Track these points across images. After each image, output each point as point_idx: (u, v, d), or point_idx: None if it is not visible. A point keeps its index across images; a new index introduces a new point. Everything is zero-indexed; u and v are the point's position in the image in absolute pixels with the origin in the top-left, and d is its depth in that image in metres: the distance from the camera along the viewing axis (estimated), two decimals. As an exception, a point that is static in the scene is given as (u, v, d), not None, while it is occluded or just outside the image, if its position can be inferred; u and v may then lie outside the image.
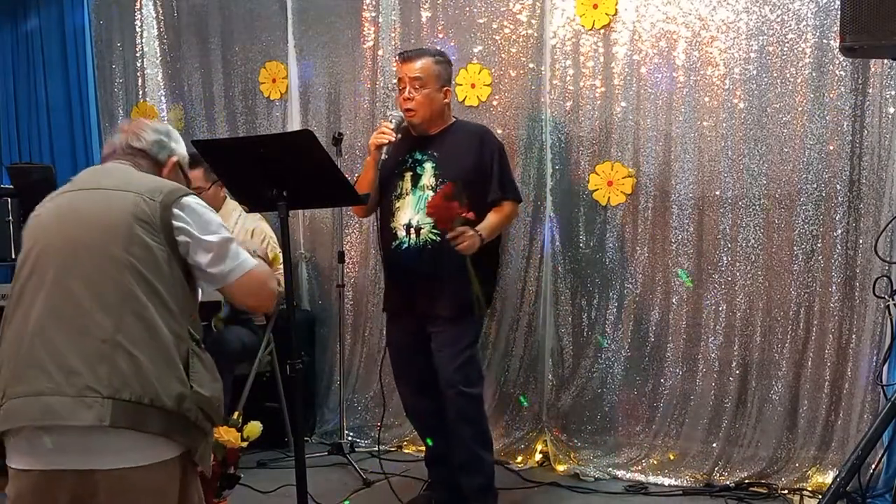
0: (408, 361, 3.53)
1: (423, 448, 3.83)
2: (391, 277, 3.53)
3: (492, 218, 3.35)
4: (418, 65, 3.37)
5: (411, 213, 3.38)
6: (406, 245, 3.37)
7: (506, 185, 3.45)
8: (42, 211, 2.11)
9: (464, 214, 3.16)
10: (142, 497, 1.92)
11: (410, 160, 3.43)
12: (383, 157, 3.36)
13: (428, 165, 3.39)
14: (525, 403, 4.25)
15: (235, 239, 2.15)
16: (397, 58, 3.55)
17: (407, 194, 3.41)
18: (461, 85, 4.30)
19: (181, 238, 2.03)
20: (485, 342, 4.17)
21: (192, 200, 2.10)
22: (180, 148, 2.32)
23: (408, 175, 3.42)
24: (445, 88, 3.44)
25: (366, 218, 3.90)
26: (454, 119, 3.55)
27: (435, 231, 3.31)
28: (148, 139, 2.24)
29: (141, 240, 1.98)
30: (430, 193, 3.34)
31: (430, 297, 3.36)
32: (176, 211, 2.04)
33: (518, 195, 3.55)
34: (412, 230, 3.36)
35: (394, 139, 3.33)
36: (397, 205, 3.42)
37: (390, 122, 3.37)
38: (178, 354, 1.96)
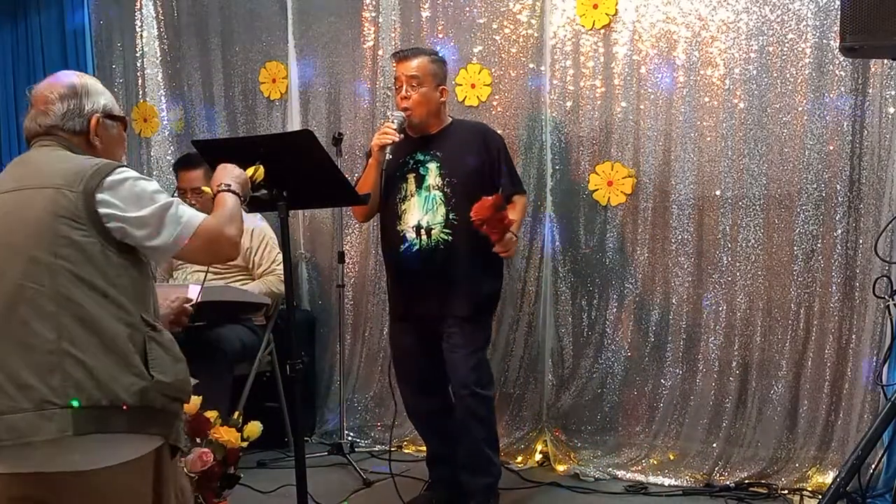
0: (413, 363, 3.52)
1: (423, 448, 3.84)
2: (399, 280, 3.50)
3: (515, 216, 3.38)
4: (414, 63, 3.37)
5: (419, 214, 3.36)
6: (417, 247, 3.36)
7: (515, 180, 3.53)
8: None
9: (507, 223, 3.22)
10: (111, 496, 1.87)
11: (412, 161, 3.42)
12: (387, 157, 3.34)
13: (432, 165, 3.39)
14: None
15: (175, 200, 2.02)
16: (393, 57, 3.55)
17: (412, 196, 3.39)
18: (461, 85, 4.30)
19: (112, 224, 1.91)
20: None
21: (116, 178, 1.94)
22: (99, 99, 2.10)
23: (411, 177, 3.40)
24: (442, 87, 3.43)
25: (366, 222, 3.88)
26: (451, 119, 3.55)
27: (447, 231, 3.33)
28: (56, 111, 2.05)
29: (66, 238, 1.87)
30: (438, 193, 3.35)
31: (444, 297, 3.36)
32: (100, 196, 1.90)
33: (522, 186, 3.64)
34: (423, 231, 3.35)
35: (397, 139, 3.30)
36: (403, 207, 3.40)
37: (392, 122, 3.34)
38: (133, 345, 1.88)
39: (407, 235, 3.38)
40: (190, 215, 2.01)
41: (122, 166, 2.00)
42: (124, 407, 1.83)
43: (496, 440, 3.54)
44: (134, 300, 1.92)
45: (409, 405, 3.64)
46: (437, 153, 3.40)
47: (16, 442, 1.80)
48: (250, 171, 2.57)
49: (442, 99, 3.44)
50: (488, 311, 3.55)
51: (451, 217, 3.34)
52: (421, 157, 3.42)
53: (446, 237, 3.34)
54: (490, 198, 3.17)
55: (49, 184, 1.91)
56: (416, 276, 3.38)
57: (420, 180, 3.40)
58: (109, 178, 1.93)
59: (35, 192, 1.91)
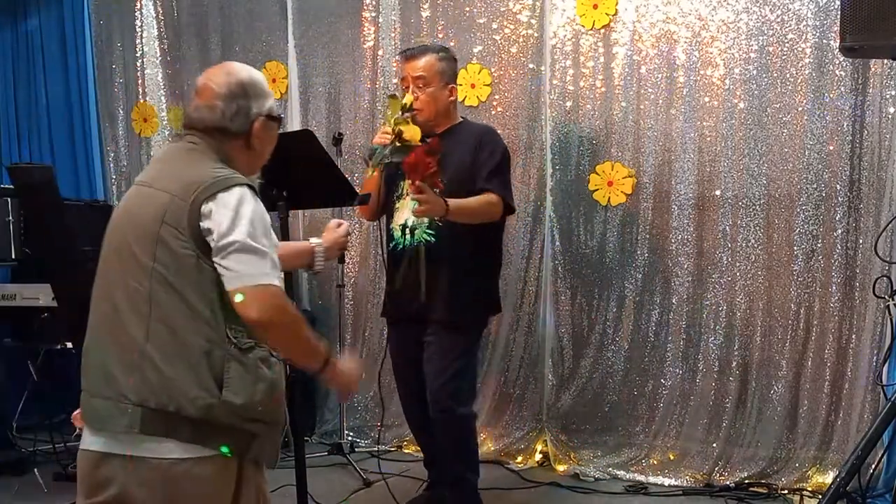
0: (404, 367, 3.48)
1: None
2: (389, 278, 3.45)
3: (467, 199, 3.17)
4: (421, 63, 3.28)
5: (408, 213, 3.28)
6: (401, 246, 3.30)
7: (495, 180, 3.27)
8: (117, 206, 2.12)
9: (436, 178, 3.04)
10: (189, 488, 1.88)
11: None
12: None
13: None
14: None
15: (273, 250, 1.93)
16: (399, 56, 3.48)
17: (406, 195, 3.32)
18: (461, 85, 4.29)
19: (209, 239, 1.88)
20: (485, 342, 4.16)
21: (229, 197, 1.89)
22: (266, 101, 2.12)
23: None
24: (451, 86, 3.34)
25: (372, 221, 3.84)
26: (461, 119, 3.46)
27: (429, 231, 3.24)
28: (223, 110, 2.02)
29: (166, 245, 1.88)
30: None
31: (425, 297, 3.24)
32: (206, 209, 1.88)
33: (506, 195, 3.30)
34: (407, 230, 3.28)
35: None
36: (397, 205, 3.36)
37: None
38: (208, 361, 1.87)
39: (395, 234, 3.33)
40: (265, 271, 1.89)
41: (244, 185, 1.94)
42: (188, 417, 1.86)
43: (472, 458, 3.41)
44: (223, 316, 1.89)
45: (404, 408, 3.61)
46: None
47: (93, 425, 1.93)
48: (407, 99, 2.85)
49: (451, 98, 3.35)
50: (472, 318, 3.36)
51: (436, 218, 3.20)
52: None
53: (429, 238, 3.23)
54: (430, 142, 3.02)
55: (168, 189, 1.93)
56: (398, 275, 3.30)
57: None
58: (222, 195, 1.89)
59: (155, 193, 1.96)
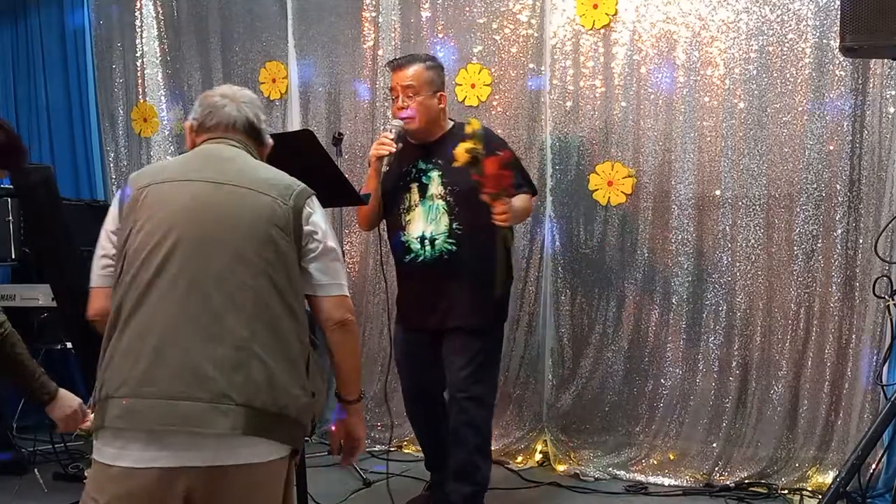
0: (412, 367, 3.50)
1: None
2: (406, 290, 3.49)
3: (517, 202, 3.25)
4: (409, 72, 3.30)
5: (423, 224, 3.32)
6: (422, 257, 3.33)
7: (524, 179, 3.41)
8: (158, 195, 1.94)
9: (511, 188, 3.14)
10: (261, 491, 1.89)
11: (415, 171, 3.37)
12: (385, 168, 3.31)
13: (434, 174, 3.33)
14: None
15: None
16: (388, 66, 3.51)
17: (416, 206, 3.35)
18: (461, 85, 4.30)
19: (311, 245, 1.98)
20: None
21: (317, 203, 2.04)
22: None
23: (414, 186, 3.36)
24: (440, 94, 3.35)
25: (370, 230, 3.85)
26: (452, 122, 3.48)
27: (451, 241, 3.29)
28: (263, 118, 2.15)
29: (275, 244, 1.91)
30: (441, 203, 3.30)
31: (449, 306, 3.33)
32: (306, 213, 1.98)
33: (534, 188, 3.52)
34: (426, 242, 3.32)
35: (394, 150, 3.27)
36: (407, 218, 3.37)
37: (390, 132, 3.30)
38: (303, 362, 1.94)
39: (412, 246, 3.35)
40: (345, 279, 2.09)
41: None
42: (287, 416, 1.88)
43: (488, 448, 3.47)
44: (305, 318, 1.98)
45: (408, 409, 3.63)
46: (439, 161, 3.33)
47: (183, 429, 1.79)
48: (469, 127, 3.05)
49: (440, 105, 3.37)
50: (496, 320, 3.46)
51: (454, 226, 3.29)
52: (423, 166, 3.36)
53: (450, 247, 3.30)
54: (502, 154, 3.11)
55: (264, 191, 1.96)
56: (421, 285, 3.37)
57: (423, 190, 3.35)
58: (312, 200, 2.03)
59: (250, 193, 1.95)
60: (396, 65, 3.38)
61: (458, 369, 3.32)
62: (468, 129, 3.10)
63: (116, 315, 1.89)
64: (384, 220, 3.52)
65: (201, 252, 1.88)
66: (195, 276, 1.86)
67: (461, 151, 3.06)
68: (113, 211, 2.03)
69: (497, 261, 3.21)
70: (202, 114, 2.12)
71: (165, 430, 1.79)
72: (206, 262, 1.88)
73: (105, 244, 2.03)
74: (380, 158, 3.29)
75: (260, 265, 1.89)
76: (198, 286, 1.86)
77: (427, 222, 3.33)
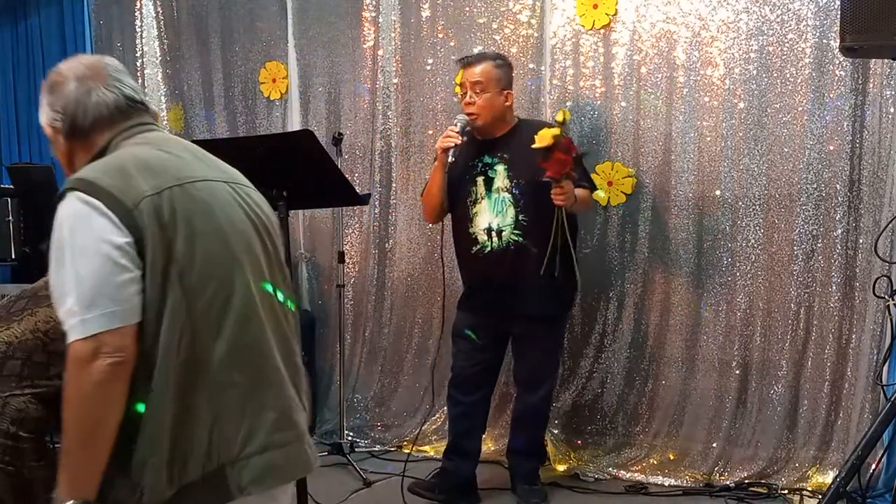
0: (473, 354, 3.59)
1: (423, 448, 3.87)
2: (474, 281, 3.61)
3: (579, 192, 3.41)
4: (478, 69, 3.46)
5: (490, 216, 3.47)
6: (489, 248, 3.46)
7: (584, 176, 3.53)
8: (177, 202, 1.56)
9: (571, 172, 3.29)
10: None
11: (480, 164, 3.50)
12: (450, 160, 3.40)
13: (499, 168, 3.46)
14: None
15: None
16: (459, 63, 3.67)
17: (482, 199, 3.49)
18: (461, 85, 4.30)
19: None
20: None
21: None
22: None
23: (480, 179, 3.49)
24: (507, 91, 3.51)
25: (436, 223, 3.88)
26: (517, 119, 3.61)
27: (517, 232, 3.42)
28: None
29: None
30: (507, 196, 3.44)
31: (518, 297, 3.45)
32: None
33: (593, 184, 3.66)
34: (493, 233, 3.45)
35: (459, 142, 3.39)
36: (474, 210, 3.50)
37: (455, 125, 3.43)
38: None
39: (479, 238, 3.49)
40: None
41: None
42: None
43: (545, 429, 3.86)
44: None
45: (452, 391, 3.67)
46: (504, 155, 3.47)
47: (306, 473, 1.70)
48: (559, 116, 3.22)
49: (507, 103, 3.52)
50: (565, 309, 3.70)
51: (520, 218, 3.43)
52: (489, 160, 3.49)
53: (517, 238, 3.43)
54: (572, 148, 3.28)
55: (250, 184, 1.76)
56: (490, 276, 3.49)
57: (489, 183, 3.48)
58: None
59: (250, 190, 1.75)
60: (467, 62, 3.55)
61: (535, 367, 3.56)
62: (559, 117, 3.29)
63: None
64: (445, 215, 3.65)
65: (256, 266, 1.70)
66: (264, 295, 1.71)
67: (547, 134, 3.21)
68: None
69: (558, 251, 3.35)
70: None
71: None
72: (263, 278, 1.72)
73: None
74: (445, 150, 3.40)
75: (284, 279, 1.81)
76: (272, 307, 1.72)
77: (494, 214, 3.47)
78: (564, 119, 3.29)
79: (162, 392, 1.48)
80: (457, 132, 3.39)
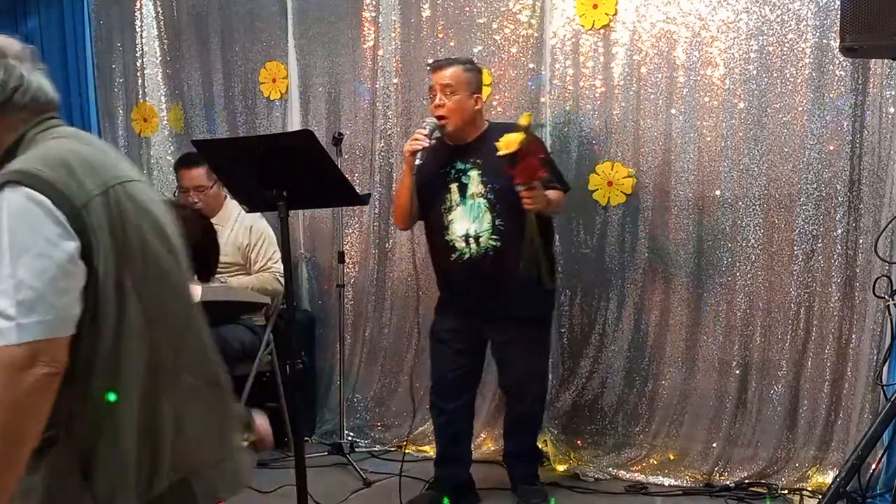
0: (451, 361, 3.56)
1: (423, 448, 3.85)
2: (452, 289, 3.58)
3: (552, 193, 3.39)
4: (448, 72, 3.42)
5: (467, 223, 3.43)
6: (468, 255, 3.43)
7: (556, 176, 3.51)
8: (123, 202, 1.48)
9: (542, 175, 3.26)
10: None
11: (454, 171, 3.46)
12: (417, 162, 3.37)
13: (473, 173, 3.43)
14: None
15: None
16: (428, 67, 3.64)
17: (457, 205, 3.45)
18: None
19: None
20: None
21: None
22: None
23: (454, 186, 3.46)
24: (476, 95, 3.48)
25: (407, 230, 3.89)
26: (488, 123, 3.58)
27: (495, 237, 3.39)
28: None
29: None
30: (482, 201, 3.41)
31: (498, 302, 3.43)
32: None
33: (566, 185, 3.62)
34: (471, 240, 3.42)
35: (427, 145, 3.35)
36: (450, 217, 3.46)
37: (424, 128, 3.39)
38: None
39: (456, 245, 3.45)
40: None
41: None
42: None
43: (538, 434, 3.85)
44: None
45: (434, 398, 3.65)
46: (477, 160, 3.43)
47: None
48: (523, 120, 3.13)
49: (476, 107, 3.48)
50: (549, 309, 3.68)
51: (497, 223, 3.40)
52: (461, 166, 3.46)
53: (495, 243, 3.40)
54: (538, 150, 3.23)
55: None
56: (468, 283, 3.46)
57: (463, 189, 3.44)
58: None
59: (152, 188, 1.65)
60: (436, 66, 3.52)
61: (522, 371, 3.52)
62: (522, 122, 3.21)
63: None
64: (411, 222, 3.62)
65: (179, 272, 1.68)
66: (190, 306, 1.70)
67: (512, 140, 3.14)
68: None
69: (535, 251, 3.31)
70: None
71: None
72: (187, 288, 1.70)
73: None
74: (413, 153, 3.36)
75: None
76: (196, 320, 1.71)
77: (470, 220, 3.43)
78: (529, 123, 3.22)
79: (130, 401, 1.44)
80: (425, 135, 3.34)
